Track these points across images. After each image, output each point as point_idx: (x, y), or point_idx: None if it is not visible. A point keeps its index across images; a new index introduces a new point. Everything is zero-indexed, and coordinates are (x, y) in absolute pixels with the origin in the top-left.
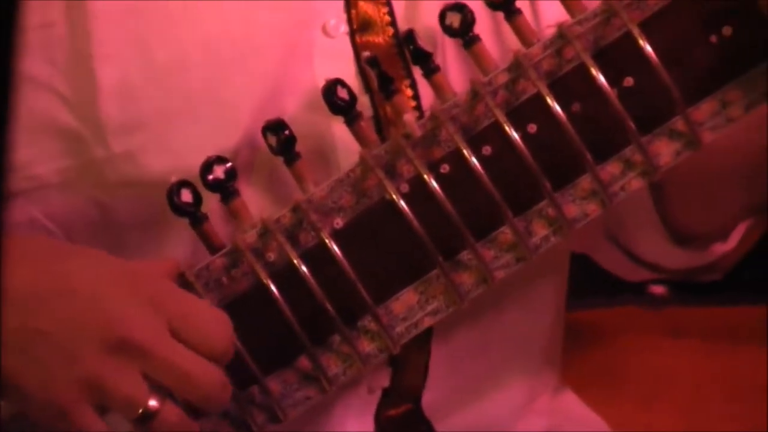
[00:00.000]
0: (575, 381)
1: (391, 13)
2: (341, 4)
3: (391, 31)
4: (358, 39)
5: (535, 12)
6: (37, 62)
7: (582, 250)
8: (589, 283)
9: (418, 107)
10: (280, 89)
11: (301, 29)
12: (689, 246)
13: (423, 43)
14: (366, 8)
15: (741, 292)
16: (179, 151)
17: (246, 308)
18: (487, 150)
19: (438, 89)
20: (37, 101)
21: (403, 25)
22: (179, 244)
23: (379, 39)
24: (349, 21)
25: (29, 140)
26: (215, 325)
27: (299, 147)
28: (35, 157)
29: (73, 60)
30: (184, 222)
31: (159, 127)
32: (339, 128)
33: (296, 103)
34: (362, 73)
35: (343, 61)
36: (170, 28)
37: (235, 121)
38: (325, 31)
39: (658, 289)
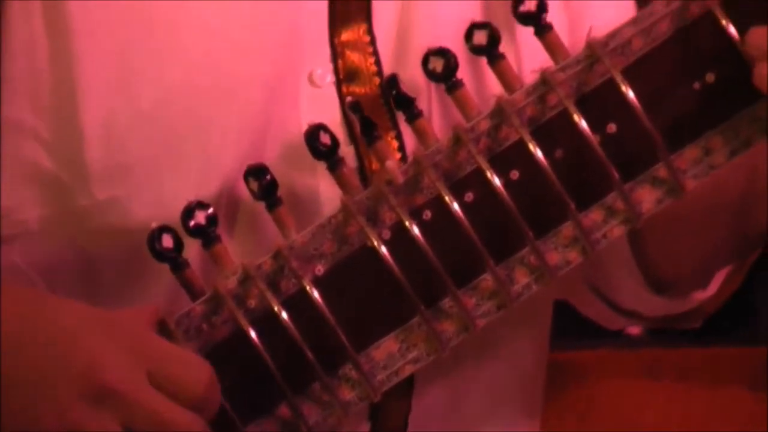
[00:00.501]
0: (550, 421)
1: (377, 62)
2: (328, 53)
3: (377, 80)
4: (344, 89)
5: (517, 55)
6: (20, 108)
7: (562, 297)
8: (564, 323)
9: (404, 159)
10: (265, 137)
11: (287, 78)
12: (668, 293)
13: (407, 88)
14: (353, 58)
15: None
16: (163, 197)
17: (226, 355)
18: (469, 197)
19: (421, 135)
20: (21, 147)
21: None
22: (160, 292)
23: (365, 89)
24: (336, 71)
25: (11, 187)
26: (195, 372)
27: (282, 194)
28: (17, 203)
29: (57, 105)
30: (166, 268)
31: (143, 174)
32: (324, 180)
33: (280, 151)
34: (348, 123)
35: (328, 111)
36: (155, 72)
37: (218, 168)
38: (311, 80)
39: (634, 330)
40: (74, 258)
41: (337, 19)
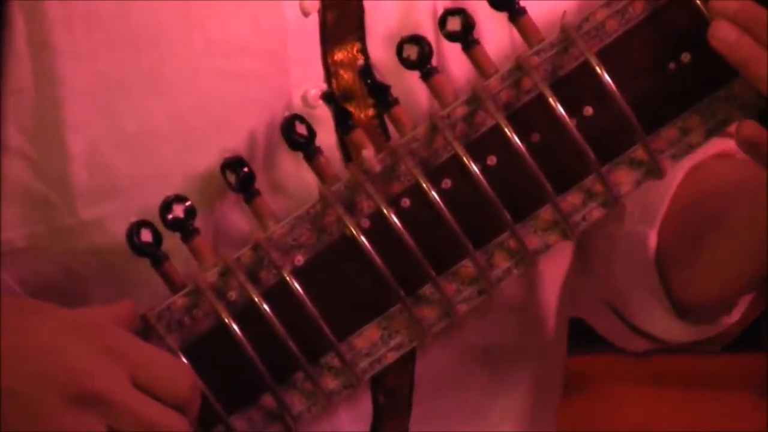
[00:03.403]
0: (557, 428)
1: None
2: (322, 73)
3: (371, 100)
4: None
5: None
6: (6, 127)
7: (580, 316)
8: (570, 329)
9: None
10: (256, 159)
11: (278, 100)
12: (691, 318)
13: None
14: (347, 77)
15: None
16: (147, 218)
17: (208, 348)
18: (446, 183)
19: (396, 123)
20: (7, 166)
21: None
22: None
23: (360, 109)
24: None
25: None
26: (177, 372)
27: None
28: (3, 222)
29: (43, 127)
30: (150, 288)
31: (128, 196)
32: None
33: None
34: (343, 144)
35: (323, 132)
36: (140, 97)
37: (206, 189)
38: (305, 100)
39: None
40: (61, 276)
41: (330, 39)
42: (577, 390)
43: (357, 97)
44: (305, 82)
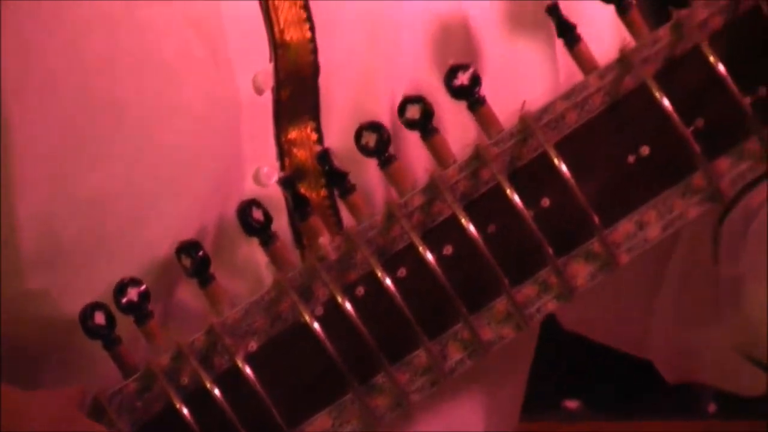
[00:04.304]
0: None
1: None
2: (274, 151)
3: (324, 181)
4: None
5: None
6: None
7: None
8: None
9: None
10: (208, 233)
11: (230, 176)
12: None
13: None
14: (300, 155)
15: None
16: (96, 290)
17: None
18: (402, 272)
19: (354, 209)
20: None
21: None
22: (94, 385)
23: (312, 189)
24: (282, 169)
25: None
26: None
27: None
28: None
29: None
30: (100, 363)
31: (77, 266)
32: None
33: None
34: (294, 225)
35: (274, 211)
36: (92, 165)
37: (156, 262)
38: (256, 179)
39: (572, 404)
40: (8, 346)
41: (284, 117)
42: None
43: (309, 176)
44: (257, 159)
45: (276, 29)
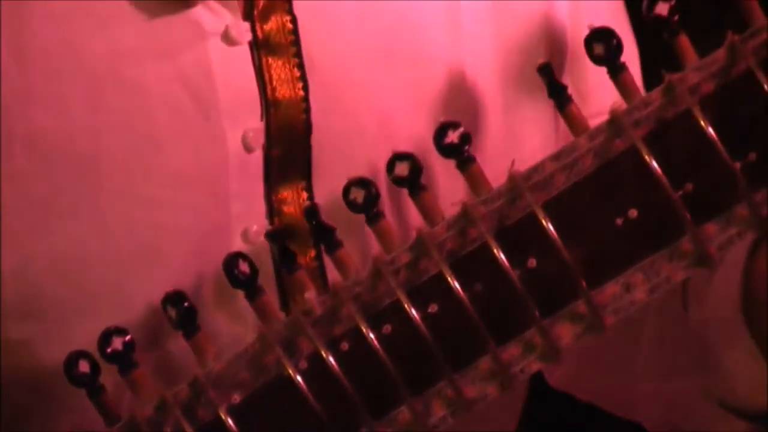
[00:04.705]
0: None
1: None
2: (263, 209)
3: (313, 241)
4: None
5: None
6: None
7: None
8: None
9: None
10: (203, 282)
11: (217, 235)
12: None
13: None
14: (290, 214)
15: None
16: (76, 344)
17: None
18: (387, 329)
19: (340, 265)
20: None
21: None
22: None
23: (301, 254)
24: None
25: None
26: None
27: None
28: None
29: None
30: (80, 406)
31: (57, 319)
32: None
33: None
34: (281, 287)
35: (263, 269)
36: (74, 221)
37: (138, 317)
38: (245, 237)
39: None
40: None
41: (274, 176)
42: None
43: (299, 236)
44: (246, 218)
45: (268, 87)
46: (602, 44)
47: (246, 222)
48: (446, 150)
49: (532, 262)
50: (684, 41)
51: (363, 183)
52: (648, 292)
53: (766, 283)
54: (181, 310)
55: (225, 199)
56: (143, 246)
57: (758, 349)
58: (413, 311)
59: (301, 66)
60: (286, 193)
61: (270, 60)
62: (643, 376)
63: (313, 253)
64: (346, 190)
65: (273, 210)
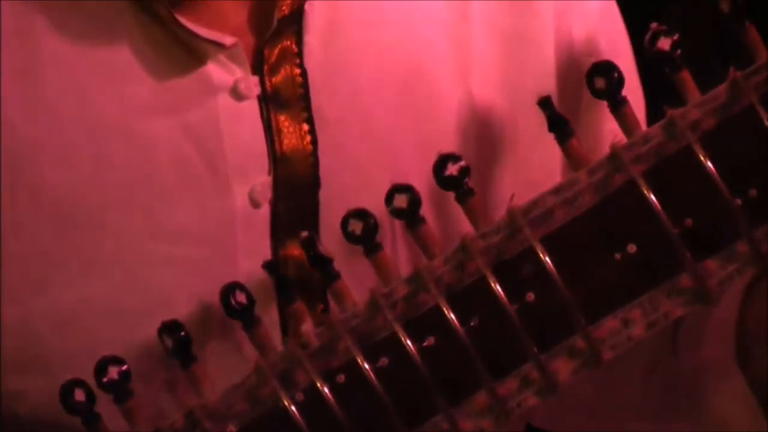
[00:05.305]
0: None
1: None
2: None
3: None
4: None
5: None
6: None
7: None
8: None
9: None
10: (211, 318)
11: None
12: None
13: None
14: (296, 269)
15: None
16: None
17: None
18: (383, 361)
19: (338, 298)
20: None
21: None
22: None
23: (309, 306)
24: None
25: None
26: None
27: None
28: None
29: None
30: None
31: (57, 372)
32: None
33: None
34: (283, 319)
35: (264, 305)
36: (76, 275)
37: (138, 370)
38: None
39: None
40: None
41: (281, 231)
42: None
43: (307, 290)
44: (253, 273)
45: (276, 142)
46: (603, 78)
47: (253, 278)
48: (446, 182)
49: (530, 297)
50: (686, 76)
51: (361, 215)
52: (646, 327)
53: (764, 327)
54: (176, 339)
55: (232, 257)
56: (148, 303)
57: (753, 393)
58: (410, 344)
59: (310, 120)
60: (294, 249)
61: (278, 114)
62: (634, 418)
63: (321, 306)
64: (345, 222)
65: (279, 263)
